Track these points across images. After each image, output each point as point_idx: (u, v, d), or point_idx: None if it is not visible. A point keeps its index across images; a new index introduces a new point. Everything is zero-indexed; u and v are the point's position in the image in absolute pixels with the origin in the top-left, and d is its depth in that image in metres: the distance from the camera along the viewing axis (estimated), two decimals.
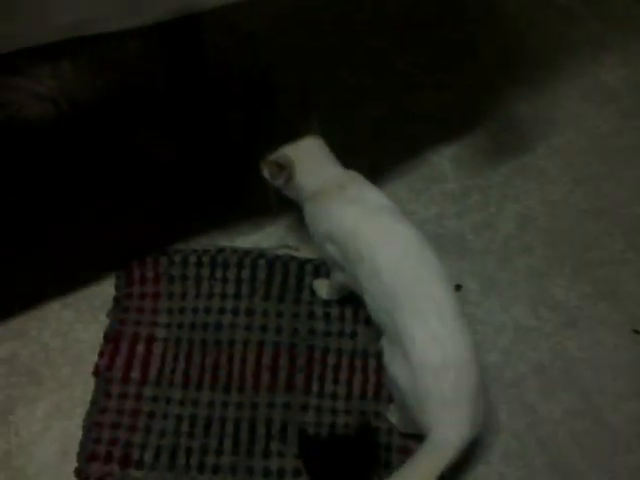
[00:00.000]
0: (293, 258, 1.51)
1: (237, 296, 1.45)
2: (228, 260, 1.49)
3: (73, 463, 1.29)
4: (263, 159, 1.33)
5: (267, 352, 1.39)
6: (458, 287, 1.47)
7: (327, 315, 1.43)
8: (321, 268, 1.48)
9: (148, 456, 1.29)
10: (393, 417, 1.30)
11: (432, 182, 1.64)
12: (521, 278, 1.51)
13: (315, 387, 1.35)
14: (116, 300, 1.46)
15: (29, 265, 1.49)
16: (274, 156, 1.32)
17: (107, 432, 1.31)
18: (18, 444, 1.32)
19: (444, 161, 1.68)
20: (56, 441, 1.32)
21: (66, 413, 1.34)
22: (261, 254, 1.51)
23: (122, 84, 1.73)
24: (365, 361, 1.38)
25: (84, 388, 1.36)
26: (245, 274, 1.48)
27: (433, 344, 1.11)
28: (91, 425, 1.32)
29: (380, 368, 1.33)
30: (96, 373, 1.38)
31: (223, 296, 1.45)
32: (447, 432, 1.10)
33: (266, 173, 1.34)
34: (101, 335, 1.42)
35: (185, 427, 1.31)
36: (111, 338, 1.41)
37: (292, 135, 1.33)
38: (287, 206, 1.41)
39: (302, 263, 1.49)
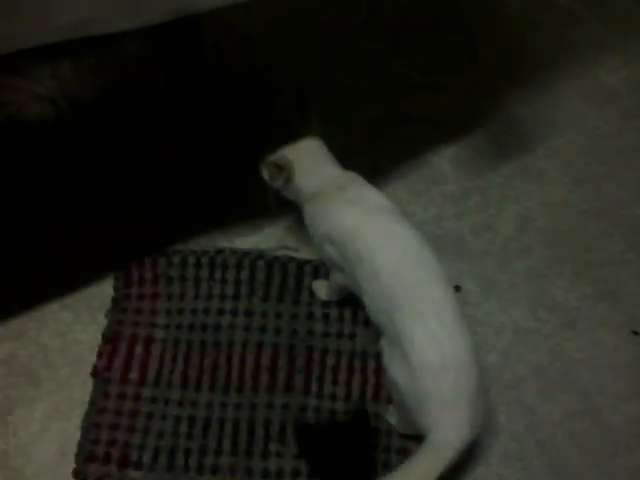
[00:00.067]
0: (292, 259, 1.50)
1: (236, 297, 1.45)
2: (227, 261, 1.49)
3: (71, 464, 1.28)
4: (262, 160, 1.33)
5: (266, 353, 1.38)
6: (457, 288, 1.46)
7: (326, 316, 1.43)
8: (320, 269, 1.47)
9: (147, 457, 1.28)
10: (392, 418, 1.30)
11: (432, 183, 1.64)
12: (520, 279, 1.51)
13: (314, 388, 1.35)
14: (115, 301, 1.46)
15: (28, 265, 1.49)
16: (273, 157, 1.32)
17: (105, 433, 1.31)
18: (16, 445, 1.31)
19: (444, 162, 1.67)
20: (54, 442, 1.32)
21: (64, 414, 1.34)
22: (260, 255, 1.51)
23: (122, 85, 1.73)
24: (364, 362, 1.37)
25: (82, 389, 1.36)
26: (244, 275, 1.48)
27: (432, 345, 1.11)
28: (89, 426, 1.32)
29: (379, 369, 1.33)
30: (94, 374, 1.37)
31: (222, 297, 1.45)
32: (446, 433, 1.10)
33: (265, 174, 1.34)
34: (99, 336, 1.42)
35: (184, 428, 1.31)
36: (109, 339, 1.41)
37: (290, 136, 1.33)
38: (286, 207, 1.41)
39: (301, 264, 1.49)
